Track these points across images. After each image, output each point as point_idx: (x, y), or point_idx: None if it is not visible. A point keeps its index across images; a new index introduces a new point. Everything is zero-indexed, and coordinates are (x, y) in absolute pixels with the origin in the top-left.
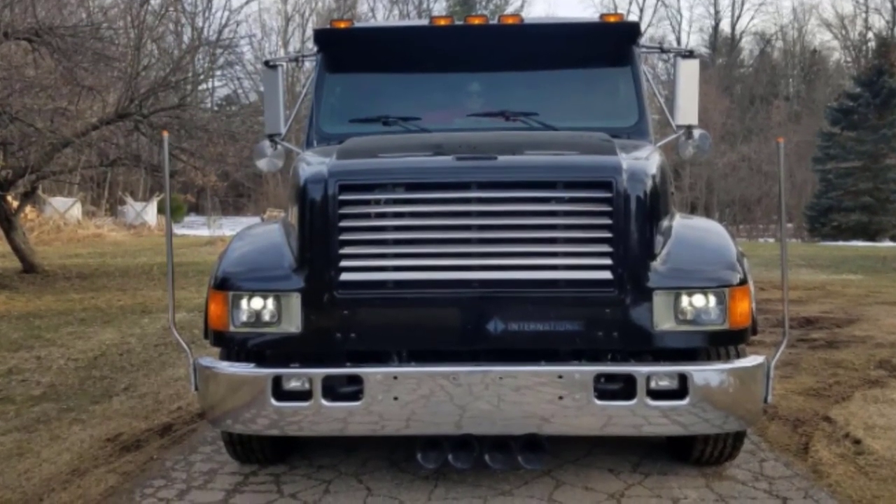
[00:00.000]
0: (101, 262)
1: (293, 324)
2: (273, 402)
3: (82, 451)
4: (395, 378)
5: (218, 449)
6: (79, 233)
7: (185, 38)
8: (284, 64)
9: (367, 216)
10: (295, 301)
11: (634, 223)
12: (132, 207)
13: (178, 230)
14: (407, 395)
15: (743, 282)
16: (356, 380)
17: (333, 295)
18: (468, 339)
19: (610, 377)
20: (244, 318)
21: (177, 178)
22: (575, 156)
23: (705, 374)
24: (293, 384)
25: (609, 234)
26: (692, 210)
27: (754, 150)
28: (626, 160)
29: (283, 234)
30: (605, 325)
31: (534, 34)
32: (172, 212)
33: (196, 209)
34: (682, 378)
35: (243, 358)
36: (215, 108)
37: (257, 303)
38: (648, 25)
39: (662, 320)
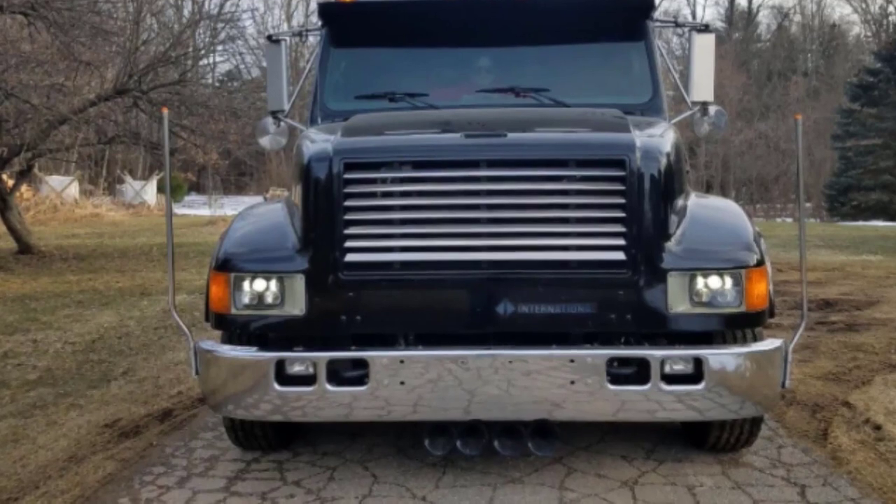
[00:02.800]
0: (99, 243)
1: (297, 306)
2: (276, 386)
3: (80, 438)
4: (402, 362)
5: (219, 435)
6: (76, 212)
7: (186, 12)
8: (288, 38)
9: (373, 195)
10: (299, 283)
11: (648, 202)
12: (131, 186)
13: (178, 210)
14: (414, 380)
15: (760, 263)
16: (361, 364)
17: (338, 276)
18: (477, 321)
19: (623, 361)
20: (246, 300)
21: (177, 156)
22: (587, 133)
23: (721, 357)
24: (297, 368)
25: (622, 214)
26: (708, 189)
27: (771, 127)
28: (639, 138)
29: (287, 213)
30: (618, 308)
31: (545, 7)
32: (172, 191)
33: (197, 188)
34: (698, 362)
35: (245, 341)
36: (216, 84)
37: (260, 284)
38: None
39: (677, 302)
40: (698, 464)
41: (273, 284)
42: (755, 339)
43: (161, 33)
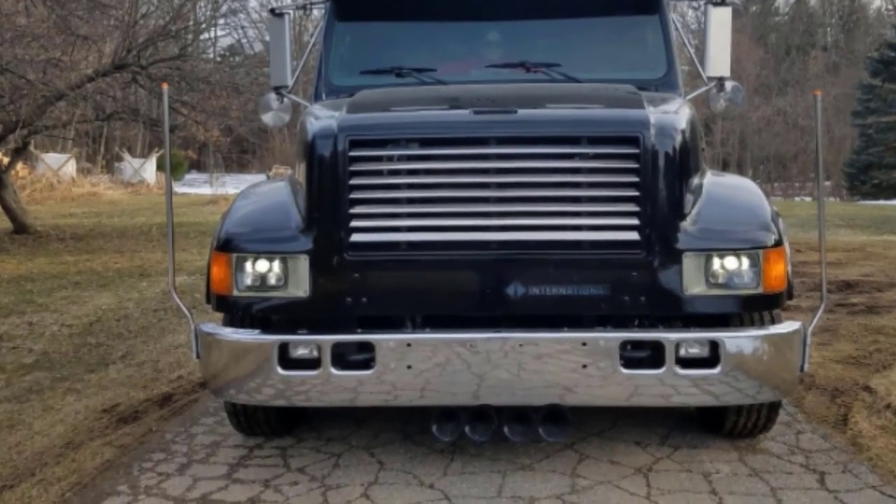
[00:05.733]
0: (97, 223)
1: (301, 287)
2: (279, 370)
3: (77, 423)
4: (409, 345)
5: (221, 420)
6: (73, 191)
7: None
8: (291, 12)
9: (379, 173)
10: (302, 263)
11: (663, 181)
12: (130, 164)
13: (178, 188)
14: (421, 364)
15: (778, 243)
16: (367, 347)
17: (343, 257)
18: (486, 303)
19: (637, 344)
20: (249, 281)
21: (177, 133)
22: (600, 109)
23: (738, 340)
24: (301, 351)
25: (636, 193)
26: (724, 167)
27: (790, 103)
28: (654, 114)
29: (290, 192)
30: (631, 289)
31: None
32: (172, 169)
33: (197, 166)
34: (714, 345)
35: (248, 324)
36: (218, 59)
37: (262, 265)
38: None
39: (692, 284)
40: (714, 450)
41: (276, 265)
42: (773, 321)
43: (161, 6)
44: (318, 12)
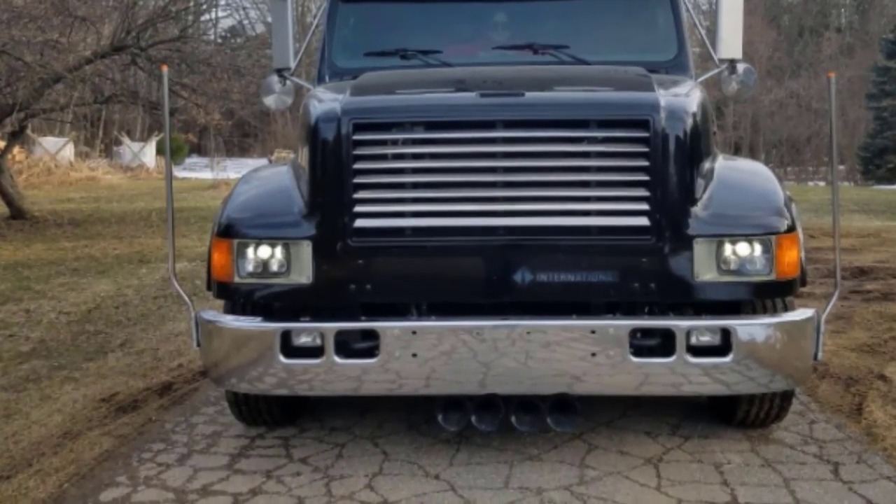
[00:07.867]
0: (96, 208)
1: (303, 274)
2: (282, 358)
3: (75, 412)
4: (414, 333)
5: (222, 410)
6: (71, 175)
7: None
8: None
9: (383, 157)
10: (305, 249)
11: (673, 165)
12: (129, 148)
13: (178, 173)
14: (427, 352)
15: (791, 229)
16: (372, 335)
17: (347, 243)
18: (493, 290)
19: (647, 332)
20: (250, 267)
21: (177, 117)
22: (609, 92)
23: (750, 328)
24: (303, 339)
25: (646, 178)
26: (736, 151)
27: (803, 86)
28: (664, 97)
29: (293, 177)
30: (641, 276)
31: None
32: (173, 153)
33: (198, 150)
34: (725, 333)
35: (249, 311)
36: (219, 41)
37: (265, 251)
38: None
39: (704, 270)
40: (726, 440)
41: (278, 251)
42: (786, 308)
43: None
44: None
